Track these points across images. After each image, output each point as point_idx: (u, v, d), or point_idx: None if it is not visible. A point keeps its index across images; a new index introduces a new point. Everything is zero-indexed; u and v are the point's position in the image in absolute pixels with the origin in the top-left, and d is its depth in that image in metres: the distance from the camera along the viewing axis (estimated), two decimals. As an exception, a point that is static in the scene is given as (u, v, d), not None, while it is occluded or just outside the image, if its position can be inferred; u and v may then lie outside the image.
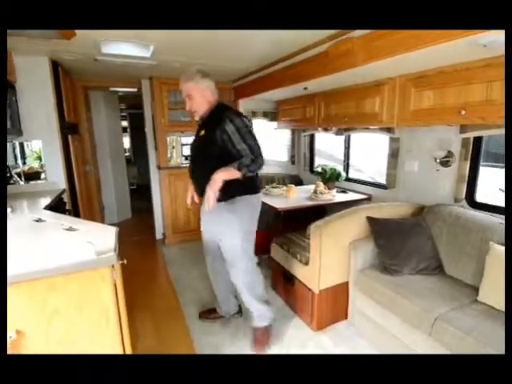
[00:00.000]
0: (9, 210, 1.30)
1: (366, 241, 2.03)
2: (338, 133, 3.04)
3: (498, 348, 1.26)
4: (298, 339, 2.02)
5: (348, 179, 3.21)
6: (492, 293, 1.55)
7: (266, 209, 2.77)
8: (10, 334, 1.05)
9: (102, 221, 4.24)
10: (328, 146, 3.98)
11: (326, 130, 3.17)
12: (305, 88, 2.64)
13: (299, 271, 2.17)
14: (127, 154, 7.11)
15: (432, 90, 1.85)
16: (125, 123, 7.14)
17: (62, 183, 2.79)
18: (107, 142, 4.52)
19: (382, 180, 2.81)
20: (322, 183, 2.97)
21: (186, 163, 4.16)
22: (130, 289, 2.20)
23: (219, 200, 1.64)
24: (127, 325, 1.40)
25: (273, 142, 4.20)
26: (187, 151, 4.52)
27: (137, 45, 2.32)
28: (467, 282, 1.78)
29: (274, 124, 3.77)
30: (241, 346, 1.96)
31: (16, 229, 1.53)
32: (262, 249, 3.18)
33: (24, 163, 3.07)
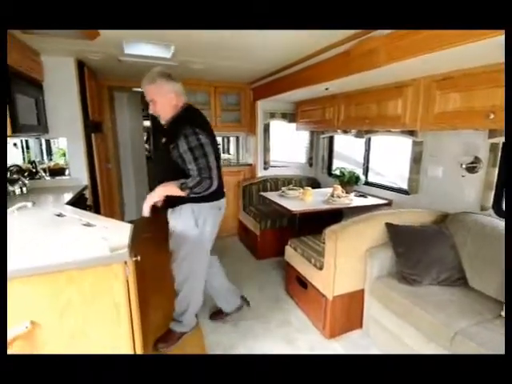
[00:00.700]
0: (29, 203, 1.35)
1: (383, 248, 1.96)
2: (358, 135, 2.96)
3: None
4: (309, 344, 1.98)
5: (367, 183, 3.12)
6: (520, 309, 1.44)
7: (281, 210, 2.75)
8: (26, 324, 1.09)
9: (122, 217, 4.35)
10: (347, 149, 3.90)
11: (345, 132, 3.10)
12: (326, 88, 2.59)
13: (313, 275, 2.12)
14: (148, 153, 7.31)
15: (458, 93, 1.76)
16: (147, 123, 7.35)
17: (84, 179, 2.89)
18: (129, 141, 4.65)
19: (404, 185, 2.71)
20: (339, 186, 2.90)
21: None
22: (144, 285, 2.25)
23: (165, 207, 1.79)
24: (139, 322, 1.42)
25: (290, 143, 4.16)
26: None
27: (158, 45, 2.36)
28: (491, 295, 1.67)
29: (292, 125, 3.73)
30: (250, 346, 1.95)
31: (37, 222, 1.59)
32: (275, 250, 3.17)
33: (50, 159, 3.21)
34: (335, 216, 3.14)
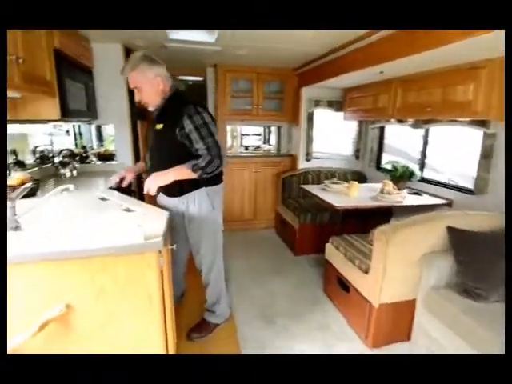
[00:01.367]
0: (71, 186, 1.35)
1: (443, 255, 1.71)
2: (416, 125, 2.64)
3: None
4: (349, 352, 1.82)
5: (423, 179, 2.80)
6: None
7: (322, 205, 2.57)
8: (60, 307, 1.09)
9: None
10: (398, 141, 3.55)
11: (400, 121, 2.79)
12: (380, 72, 2.33)
13: (357, 279, 1.94)
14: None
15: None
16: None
17: (130, 165, 2.96)
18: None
19: (467, 183, 2.37)
20: (390, 182, 2.63)
21: (246, 153, 4.12)
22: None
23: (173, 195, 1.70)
24: (172, 313, 1.39)
25: (335, 134, 3.90)
26: (247, 141, 4.51)
27: (202, 30, 2.29)
28: None
29: (339, 114, 3.47)
30: (285, 345, 1.85)
31: (81, 205, 1.62)
32: (314, 247, 3.01)
33: (101, 145, 3.36)
34: (383, 215, 2.89)
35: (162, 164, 1.59)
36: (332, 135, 3.91)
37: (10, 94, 1.51)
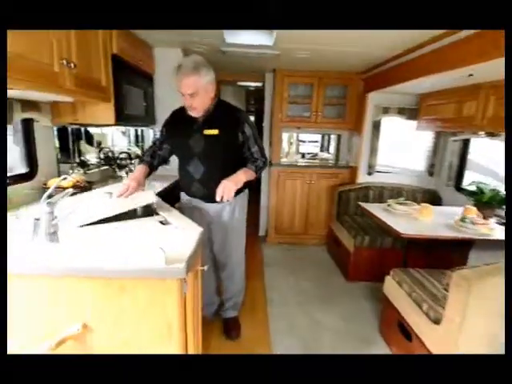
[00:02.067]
0: (114, 190, 1.33)
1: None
2: (514, 140, 2.11)
3: None
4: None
5: (519, 208, 2.23)
6: None
7: (381, 226, 2.21)
8: (78, 326, 1.02)
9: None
10: (487, 158, 2.94)
11: (491, 134, 2.28)
12: (470, 75, 1.90)
13: (423, 328, 1.57)
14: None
15: None
16: (253, 118, 7.53)
17: (180, 170, 2.96)
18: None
19: None
20: (474, 208, 2.15)
21: (303, 162, 3.88)
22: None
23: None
24: (196, 342, 1.24)
25: (405, 146, 3.43)
26: (305, 148, 4.27)
27: (259, 32, 2.16)
28: None
29: (411, 123, 3.02)
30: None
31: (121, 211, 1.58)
32: (371, 274, 2.63)
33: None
34: (459, 245, 2.39)
35: (219, 168, 1.64)
36: (401, 147, 3.45)
37: (63, 98, 1.55)
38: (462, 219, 2.03)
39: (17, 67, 1.07)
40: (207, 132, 1.62)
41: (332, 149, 4.09)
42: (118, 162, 2.63)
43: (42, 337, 1.00)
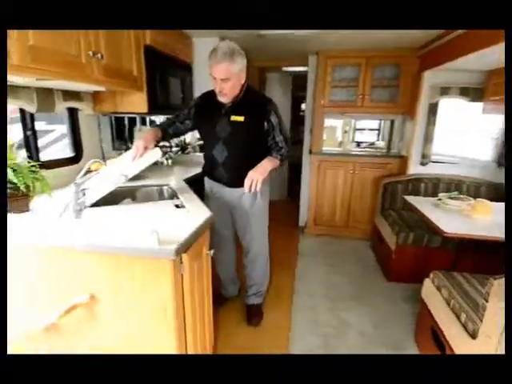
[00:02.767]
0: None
1: None
2: None
3: None
4: None
5: None
6: None
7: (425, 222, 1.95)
8: (86, 296, 1.11)
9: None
10: None
11: None
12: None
13: (457, 341, 1.36)
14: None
15: None
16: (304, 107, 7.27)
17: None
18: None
19: None
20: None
21: (357, 151, 3.62)
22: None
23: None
24: (195, 324, 1.26)
25: (468, 132, 2.95)
26: (362, 136, 3.98)
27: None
28: None
29: (477, 105, 2.58)
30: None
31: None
32: (415, 275, 2.34)
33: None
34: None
35: (242, 154, 1.67)
36: (462, 133, 2.98)
37: (94, 87, 1.68)
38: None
39: (42, 59, 1.17)
40: (234, 118, 1.64)
41: (385, 137, 3.73)
42: (164, 149, 2.79)
43: (53, 305, 1.11)
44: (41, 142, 1.95)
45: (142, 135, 1.60)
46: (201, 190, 1.95)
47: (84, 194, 1.40)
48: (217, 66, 1.48)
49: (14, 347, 1.21)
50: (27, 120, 1.62)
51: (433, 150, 2.87)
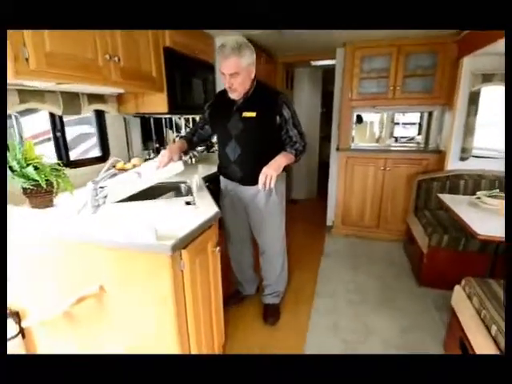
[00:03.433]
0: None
1: None
2: None
3: None
4: None
5: None
6: None
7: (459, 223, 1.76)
8: (96, 287, 1.17)
9: (288, 196, 4.37)
10: None
11: None
12: None
13: (485, 353, 1.21)
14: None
15: None
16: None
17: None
18: (306, 119, 4.55)
19: None
20: None
21: (395, 146, 3.41)
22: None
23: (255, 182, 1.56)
24: (197, 316, 1.26)
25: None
26: (403, 131, 3.74)
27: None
28: None
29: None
30: None
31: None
32: (449, 280, 2.10)
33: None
34: None
35: (255, 151, 1.65)
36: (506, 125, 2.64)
37: (112, 89, 1.76)
38: None
39: (59, 63, 1.25)
40: (245, 114, 1.62)
41: (422, 130, 3.46)
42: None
43: (67, 295, 1.19)
44: (85, 145, 2.12)
45: (169, 147, 1.68)
46: (219, 188, 1.97)
47: (102, 191, 1.48)
48: (225, 61, 1.47)
49: (30, 335, 1.31)
50: (56, 122, 1.75)
51: (474, 143, 2.59)
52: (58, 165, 1.45)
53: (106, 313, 1.20)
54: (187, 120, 3.07)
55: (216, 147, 3.26)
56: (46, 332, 1.32)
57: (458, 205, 1.94)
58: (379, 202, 3.11)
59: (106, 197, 1.62)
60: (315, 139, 4.75)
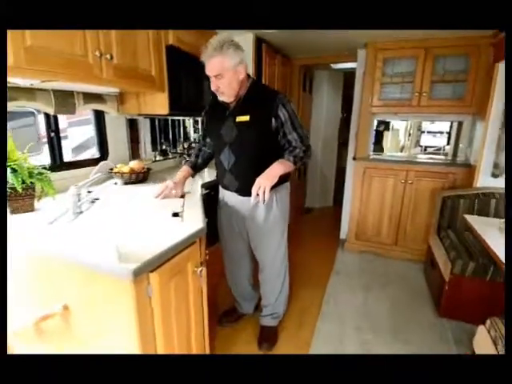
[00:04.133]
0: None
1: None
2: None
3: None
4: None
5: None
6: None
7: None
8: (59, 306, 1.06)
9: (302, 204, 4.19)
10: None
11: None
12: None
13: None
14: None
15: None
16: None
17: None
18: (323, 124, 4.35)
19: None
20: None
21: (421, 157, 3.16)
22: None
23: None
24: (169, 349, 1.12)
25: None
26: (430, 140, 3.47)
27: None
28: None
29: None
30: None
31: (149, 202, 1.58)
32: (474, 313, 1.86)
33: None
34: None
35: (251, 159, 1.50)
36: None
37: (105, 88, 1.67)
38: None
39: (41, 59, 1.16)
40: (239, 119, 1.48)
41: (451, 141, 3.16)
42: (181, 152, 2.78)
43: (35, 309, 1.08)
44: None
45: (175, 178, 1.62)
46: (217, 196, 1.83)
47: (89, 195, 1.38)
48: (208, 62, 1.37)
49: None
50: (51, 121, 1.68)
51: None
52: (46, 168, 1.37)
53: (73, 332, 1.09)
54: (196, 122, 2.97)
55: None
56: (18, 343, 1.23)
57: (487, 228, 1.69)
58: (398, 217, 2.85)
59: (93, 202, 1.53)
60: (333, 145, 4.54)
